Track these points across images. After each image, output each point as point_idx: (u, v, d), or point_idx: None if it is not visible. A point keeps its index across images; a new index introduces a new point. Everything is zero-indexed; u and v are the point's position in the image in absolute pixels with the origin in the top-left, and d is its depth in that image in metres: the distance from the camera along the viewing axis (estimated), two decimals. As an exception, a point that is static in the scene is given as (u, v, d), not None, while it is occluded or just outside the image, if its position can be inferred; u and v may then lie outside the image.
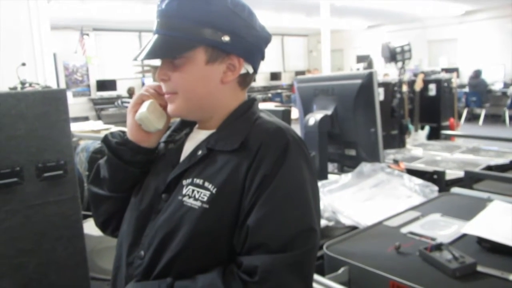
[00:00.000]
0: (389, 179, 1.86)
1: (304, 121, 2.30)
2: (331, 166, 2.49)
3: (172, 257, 0.84)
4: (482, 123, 10.50)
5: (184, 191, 0.87)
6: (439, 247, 1.14)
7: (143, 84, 11.23)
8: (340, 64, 14.64)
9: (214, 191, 0.84)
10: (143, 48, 0.89)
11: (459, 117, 8.81)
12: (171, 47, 0.87)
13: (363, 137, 2.17)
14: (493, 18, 10.97)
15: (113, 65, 11.59)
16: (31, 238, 1.95)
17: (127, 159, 0.96)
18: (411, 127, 4.66)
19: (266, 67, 14.08)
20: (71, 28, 10.20)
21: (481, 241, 1.20)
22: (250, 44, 0.90)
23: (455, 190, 1.76)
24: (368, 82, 2.08)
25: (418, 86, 4.77)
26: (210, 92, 0.90)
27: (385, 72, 6.75)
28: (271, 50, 13.01)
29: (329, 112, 2.22)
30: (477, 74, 10.49)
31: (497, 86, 10.74)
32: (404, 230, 1.36)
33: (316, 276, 1.10)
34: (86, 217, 2.24)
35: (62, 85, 9.88)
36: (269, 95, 13.48)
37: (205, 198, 0.84)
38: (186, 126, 1.03)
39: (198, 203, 0.84)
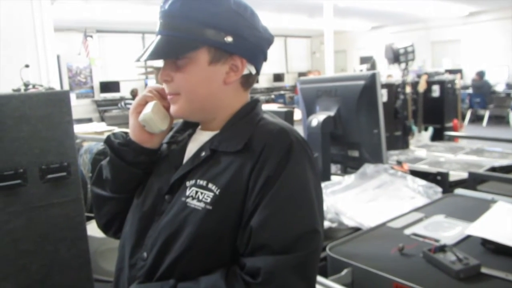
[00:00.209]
0: (393, 180, 1.85)
1: (307, 122, 2.29)
2: (334, 167, 2.49)
3: (175, 258, 0.83)
4: (486, 124, 10.46)
5: (187, 193, 0.87)
6: (443, 248, 1.13)
7: (146, 85, 11.22)
8: (343, 65, 14.64)
9: (217, 192, 0.83)
10: (146, 48, 0.89)
11: (463, 118, 8.78)
12: (174, 47, 0.87)
13: (366, 138, 2.17)
14: (497, 19, 10.95)
15: (116, 67, 11.61)
16: (35, 240, 1.95)
17: (130, 160, 0.96)
18: (414, 128, 4.65)
19: (269, 69, 14.08)
20: (74, 30, 10.25)
21: (485, 242, 1.20)
22: (253, 45, 0.90)
23: (459, 191, 1.75)
24: (371, 83, 2.08)
25: (422, 87, 4.77)
26: (212, 93, 0.90)
27: (389, 73, 6.73)
28: (274, 51, 13.06)
29: (332, 113, 2.22)
30: (480, 75, 10.47)
31: (501, 87, 10.71)
32: (407, 231, 1.35)
33: (319, 278, 1.10)
34: (89, 218, 2.24)
35: (66, 87, 9.93)
36: (272, 96, 13.51)
37: (209, 200, 0.83)
38: (189, 127, 1.02)
39: (202, 205, 0.84)
